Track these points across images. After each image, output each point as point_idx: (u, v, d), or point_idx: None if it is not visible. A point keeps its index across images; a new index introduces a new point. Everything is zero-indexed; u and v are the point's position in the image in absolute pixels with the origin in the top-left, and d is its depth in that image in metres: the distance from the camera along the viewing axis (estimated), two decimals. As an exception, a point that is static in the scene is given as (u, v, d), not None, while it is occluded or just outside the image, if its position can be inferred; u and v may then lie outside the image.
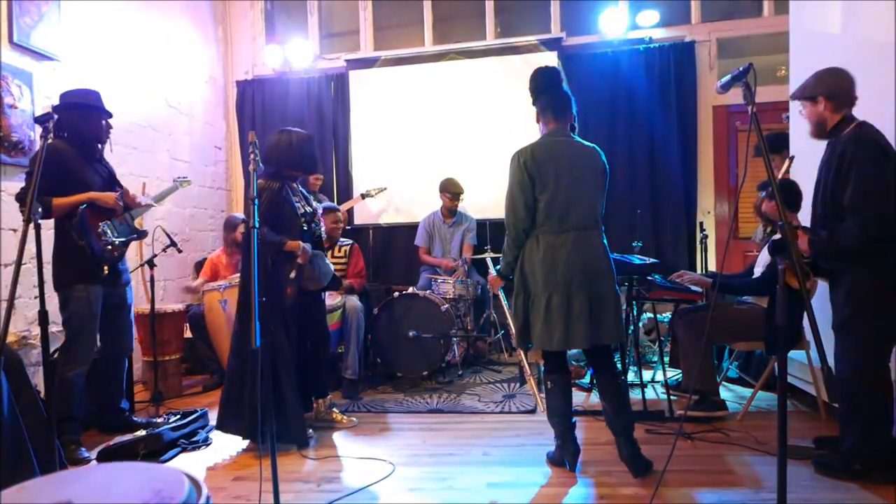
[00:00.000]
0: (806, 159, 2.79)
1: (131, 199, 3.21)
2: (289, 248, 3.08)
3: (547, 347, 2.58)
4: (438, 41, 5.97)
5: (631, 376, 3.81)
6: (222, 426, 3.07)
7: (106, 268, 3.05)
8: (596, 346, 2.57)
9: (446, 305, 4.34)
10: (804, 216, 2.81)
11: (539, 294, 2.55)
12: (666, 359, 4.01)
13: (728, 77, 1.92)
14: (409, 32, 6.06)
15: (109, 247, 3.06)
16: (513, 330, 2.67)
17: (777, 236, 3.19)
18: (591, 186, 2.62)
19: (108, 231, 3.09)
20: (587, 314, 2.49)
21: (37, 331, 3.52)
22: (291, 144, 3.15)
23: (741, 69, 1.84)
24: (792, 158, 2.72)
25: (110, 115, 3.24)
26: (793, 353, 3.44)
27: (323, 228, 3.44)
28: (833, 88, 2.50)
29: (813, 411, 3.38)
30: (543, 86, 2.69)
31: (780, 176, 2.81)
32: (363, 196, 5.40)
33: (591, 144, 2.69)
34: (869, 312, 2.44)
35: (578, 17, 5.69)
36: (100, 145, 3.23)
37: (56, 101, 3.16)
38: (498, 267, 2.81)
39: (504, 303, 2.85)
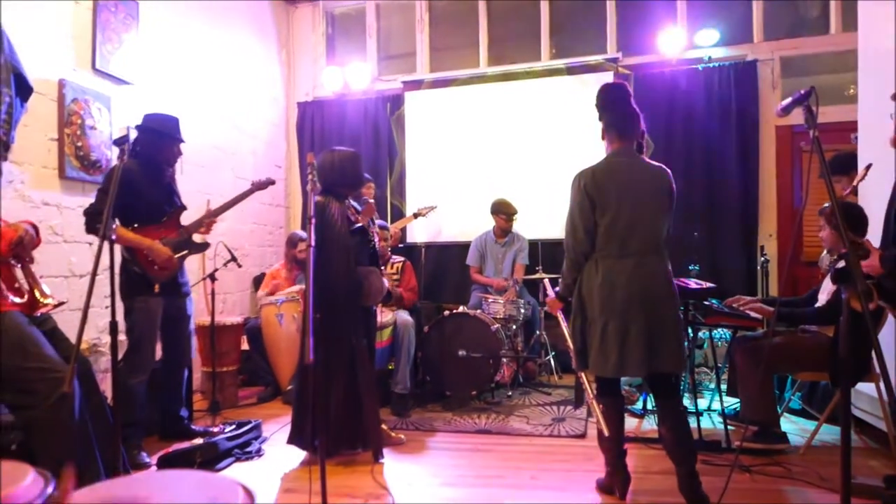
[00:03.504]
0: (873, 179, 2.67)
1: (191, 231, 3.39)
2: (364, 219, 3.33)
3: (602, 373, 2.54)
4: (493, 62, 6.03)
5: (686, 403, 3.69)
6: (291, 440, 3.20)
7: (157, 286, 3.21)
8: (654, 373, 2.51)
9: (497, 325, 4.33)
10: (873, 238, 2.69)
11: (596, 319, 2.50)
12: (723, 387, 3.87)
13: (789, 100, 1.87)
14: (465, 54, 6.15)
15: (157, 267, 3.22)
16: (571, 352, 2.64)
17: (841, 264, 3.06)
18: (655, 210, 2.52)
19: None
20: (644, 341, 2.42)
21: (106, 339, 3.72)
22: (334, 163, 3.28)
23: (803, 92, 1.80)
24: (869, 167, 2.59)
25: (182, 142, 3.41)
26: (862, 386, 3.26)
27: (377, 240, 3.50)
28: None
29: (884, 448, 3.20)
30: (608, 103, 2.62)
31: (856, 183, 2.69)
32: (415, 215, 5.47)
33: (658, 164, 2.60)
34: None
35: (635, 37, 5.63)
36: (168, 167, 3.40)
37: (130, 123, 3.35)
38: (556, 289, 2.79)
39: (563, 324, 2.82)
